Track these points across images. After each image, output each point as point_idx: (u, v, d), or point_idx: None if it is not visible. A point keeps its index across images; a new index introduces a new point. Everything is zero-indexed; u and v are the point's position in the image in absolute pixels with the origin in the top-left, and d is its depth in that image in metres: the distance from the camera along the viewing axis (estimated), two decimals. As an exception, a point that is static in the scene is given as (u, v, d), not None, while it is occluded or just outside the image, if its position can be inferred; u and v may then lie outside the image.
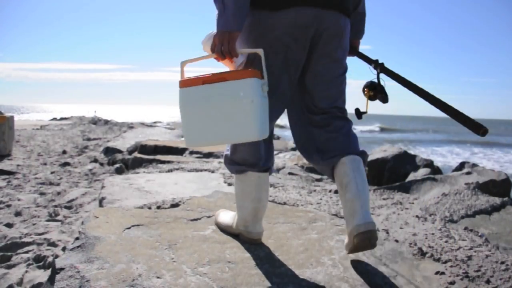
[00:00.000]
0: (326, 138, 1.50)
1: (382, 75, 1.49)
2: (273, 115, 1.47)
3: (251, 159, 1.47)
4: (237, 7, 1.27)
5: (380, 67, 1.47)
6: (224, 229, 1.69)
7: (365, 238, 1.35)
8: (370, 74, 1.54)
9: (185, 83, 1.34)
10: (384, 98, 1.51)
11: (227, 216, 1.71)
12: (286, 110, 1.55)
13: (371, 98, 1.52)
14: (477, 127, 1.22)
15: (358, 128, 36.55)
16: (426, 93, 1.33)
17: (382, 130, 36.87)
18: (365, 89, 1.53)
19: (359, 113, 1.57)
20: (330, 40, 1.41)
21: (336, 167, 1.48)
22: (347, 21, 1.46)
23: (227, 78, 1.29)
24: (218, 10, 1.30)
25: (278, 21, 1.34)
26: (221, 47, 1.30)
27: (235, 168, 1.51)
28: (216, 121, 1.30)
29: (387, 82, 1.50)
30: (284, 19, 1.34)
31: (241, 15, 1.29)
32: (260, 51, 1.32)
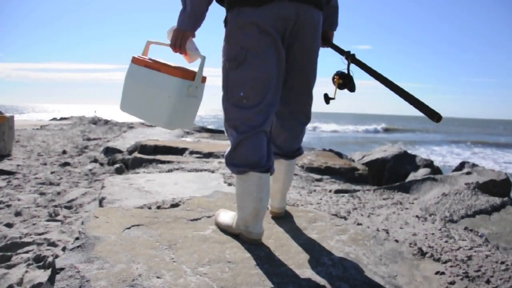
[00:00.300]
0: (282, 133, 1.70)
1: (352, 67, 1.58)
2: (271, 109, 1.51)
3: (252, 158, 1.48)
4: (193, 10, 1.41)
5: (351, 58, 1.54)
6: (224, 229, 1.68)
7: (277, 215, 1.88)
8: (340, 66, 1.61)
9: (135, 60, 1.56)
10: (352, 87, 1.58)
11: (227, 216, 1.71)
12: None
13: (340, 86, 1.59)
14: (433, 114, 1.30)
15: (360, 128, 36.54)
16: (390, 83, 1.41)
17: (386, 130, 36.89)
18: (335, 77, 1.59)
19: (327, 98, 1.65)
20: (307, 32, 1.51)
21: (275, 161, 1.73)
22: (321, 14, 1.57)
23: (162, 70, 1.47)
24: (181, 8, 1.43)
25: (263, 16, 1.41)
26: (175, 41, 1.45)
27: (237, 169, 1.51)
28: (142, 100, 1.51)
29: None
30: (268, 13, 1.41)
31: (196, 18, 1.43)
32: (202, 57, 1.48)
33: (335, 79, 1.59)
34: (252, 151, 1.48)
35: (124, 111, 1.61)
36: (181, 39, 1.44)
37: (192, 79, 1.47)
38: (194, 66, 1.54)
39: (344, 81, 1.57)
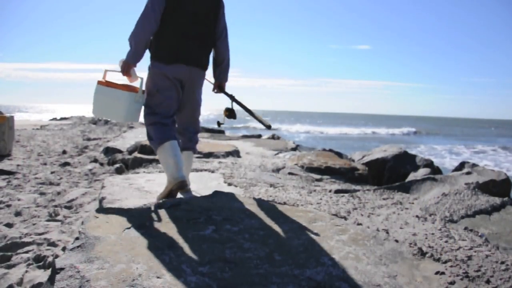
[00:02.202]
0: (183, 139, 2.55)
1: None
2: (170, 118, 2.41)
3: (164, 135, 2.32)
4: (136, 50, 2.26)
5: (233, 99, 2.53)
6: (163, 195, 2.31)
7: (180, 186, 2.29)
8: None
9: (100, 82, 2.35)
10: (234, 117, 2.57)
11: (161, 190, 2.40)
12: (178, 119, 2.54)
13: (227, 116, 2.58)
14: (266, 125, 2.41)
15: (391, 131, 35.28)
16: (245, 107, 2.51)
17: (415, 133, 35.71)
18: (225, 111, 2.57)
19: (218, 124, 2.61)
20: (194, 84, 2.44)
21: (182, 153, 2.47)
22: (204, 73, 2.49)
23: (118, 87, 2.31)
24: (129, 49, 2.26)
25: (169, 71, 2.33)
26: (123, 69, 2.27)
27: (158, 142, 2.32)
28: (107, 106, 2.36)
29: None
30: (171, 70, 2.33)
31: (137, 56, 2.27)
32: (141, 78, 2.32)
33: (224, 112, 2.56)
34: (163, 132, 2.33)
35: (95, 115, 2.49)
36: (127, 68, 2.26)
37: (137, 92, 2.32)
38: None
39: (230, 113, 2.56)
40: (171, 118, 2.42)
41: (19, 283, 1.79)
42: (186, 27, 2.33)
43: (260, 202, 2.24)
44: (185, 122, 2.54)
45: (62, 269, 1.28)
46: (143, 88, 2.37)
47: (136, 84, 2.35)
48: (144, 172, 3.47)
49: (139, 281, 1.24)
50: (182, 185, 2.24)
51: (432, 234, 1.87)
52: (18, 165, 4.76)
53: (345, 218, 2.09)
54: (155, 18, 2.23)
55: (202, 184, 2.82)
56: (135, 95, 2.29)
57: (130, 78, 2.33)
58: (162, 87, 2.34)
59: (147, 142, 4.85)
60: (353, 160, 5.12)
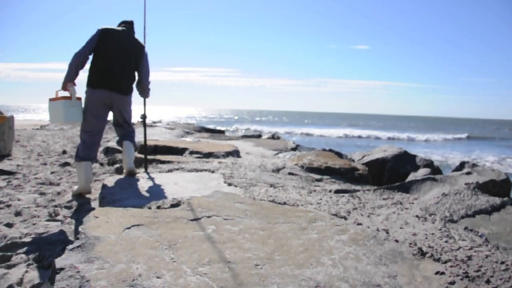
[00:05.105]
0: (121, 133, 3.39)
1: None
2: (97, 135, 3.21)
3: (88, 155, 3.10)
4: (70, 72, 3.01)
5: (143, 105, 3.50)
6: (75, 193, 3.13)
7: (130, 172, 3.26)
8: None
9: (51, 100, 3.12)
10: (144, 119, 3.54)
11: (75, 188, 3.19)
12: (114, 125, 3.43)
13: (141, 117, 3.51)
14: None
15: (443, 136, 30.19)
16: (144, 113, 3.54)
17: (469, 138, 31.74)
18: (140, 117, 3.52)
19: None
20: (117, 105, 3.21)
21: (122, 144, 3.37)
22: (125, 97, 3.24)
23: (57, 100, 3.07)
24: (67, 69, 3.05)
25: (95, 94, 3.10)
26: (62, 87, 3.06)
27: (80, 158, 3.07)
28: (55, 114, 3.10)
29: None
30: (96, 94, 3.10)
31: (70, 76, 3.03)
32: (74, 91, 3.07)
33: (141, 117, 3.53)
34: (86, 153, 3.10)
35: (52, 123, 3.31)
36: (64, 85, 3.04)
37: (71, 99, 3.05)
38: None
39: (143, 118, 3.53)
40: (96, 136, 3.16)
41: (19, 283, 1.79)
42: (111, 62, 3.08)
43: (260, 202, 2.24)
44: (121, 121, 3.37)
45: (62, 269, 1.28)
46: (76, 95, 3.11)
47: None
48: (144, 172, 3.47)
49: (139, 281, 1.24)
50: (87, 192, 3.11)
51: (432, 234, 1.87)
52: (18, 165, 4.76)
53: (345, 218, 2.09)
54: (85, 52, 3.05)
55: (202, 184, 2.83)
56: (69, 101, 3.05)
57: (69, 91, 3.12)
58: (91, 108, 3.11)
59: (147, 142, 4.87)
60: (353, 160, 5.12)
